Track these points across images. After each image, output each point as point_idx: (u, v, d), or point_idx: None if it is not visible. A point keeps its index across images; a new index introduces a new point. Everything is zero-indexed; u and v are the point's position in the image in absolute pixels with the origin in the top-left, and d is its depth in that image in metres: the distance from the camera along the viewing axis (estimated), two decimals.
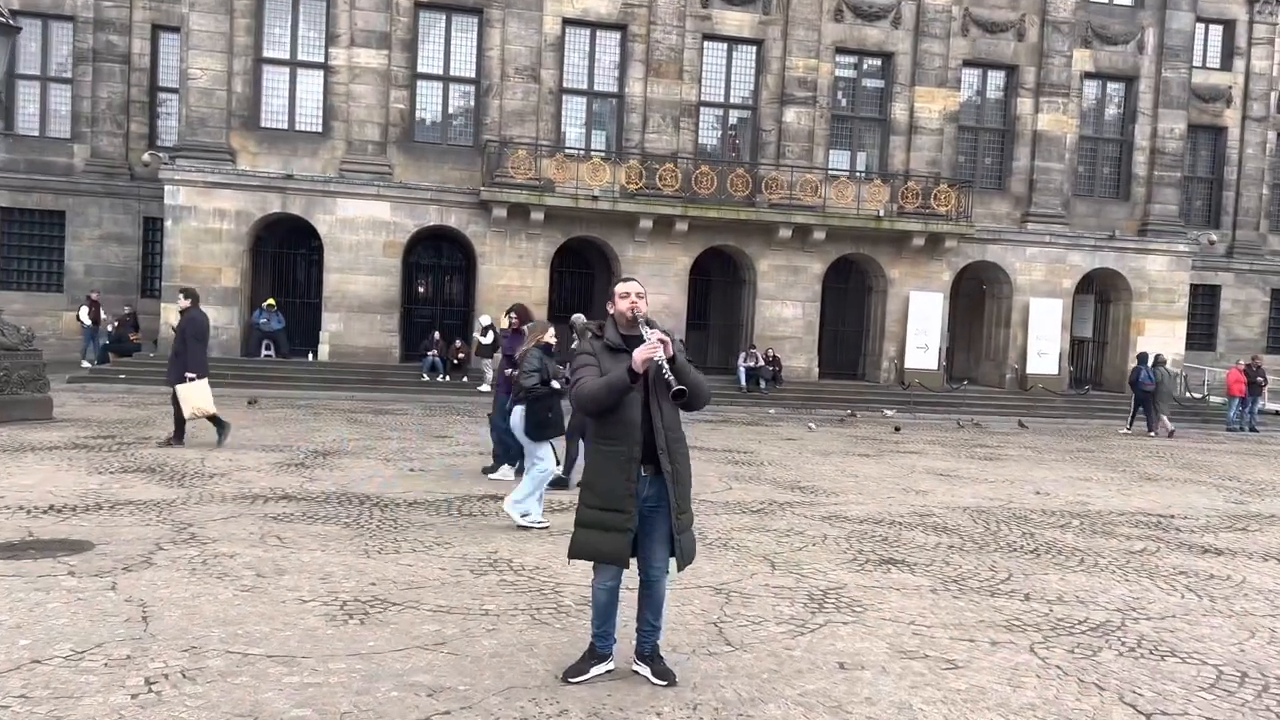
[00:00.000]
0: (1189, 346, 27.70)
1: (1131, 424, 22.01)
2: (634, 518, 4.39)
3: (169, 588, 5.78)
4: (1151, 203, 26.62)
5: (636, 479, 4.40)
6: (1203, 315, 30.47)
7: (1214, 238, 30.02)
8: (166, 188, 21.89)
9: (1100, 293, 27.31)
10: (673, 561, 4.51)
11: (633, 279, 4.70)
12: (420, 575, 6.35)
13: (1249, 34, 30.44)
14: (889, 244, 24.85)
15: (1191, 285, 27.38)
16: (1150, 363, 21.54)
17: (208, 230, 21.94)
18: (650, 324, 4.46)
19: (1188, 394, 26.36)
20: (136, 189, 25.36)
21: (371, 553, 6.91)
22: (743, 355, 23.90)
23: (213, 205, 21.95)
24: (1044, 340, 25.70)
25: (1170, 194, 26.79)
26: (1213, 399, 26.07)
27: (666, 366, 4.31)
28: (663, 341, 4.32)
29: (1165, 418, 21.41)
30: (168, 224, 21.98)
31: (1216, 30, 30.42)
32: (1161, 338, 26.41)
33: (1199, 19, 27.78)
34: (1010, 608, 6.26)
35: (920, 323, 25.07)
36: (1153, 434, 21.09)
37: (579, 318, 9.45)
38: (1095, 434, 20.57)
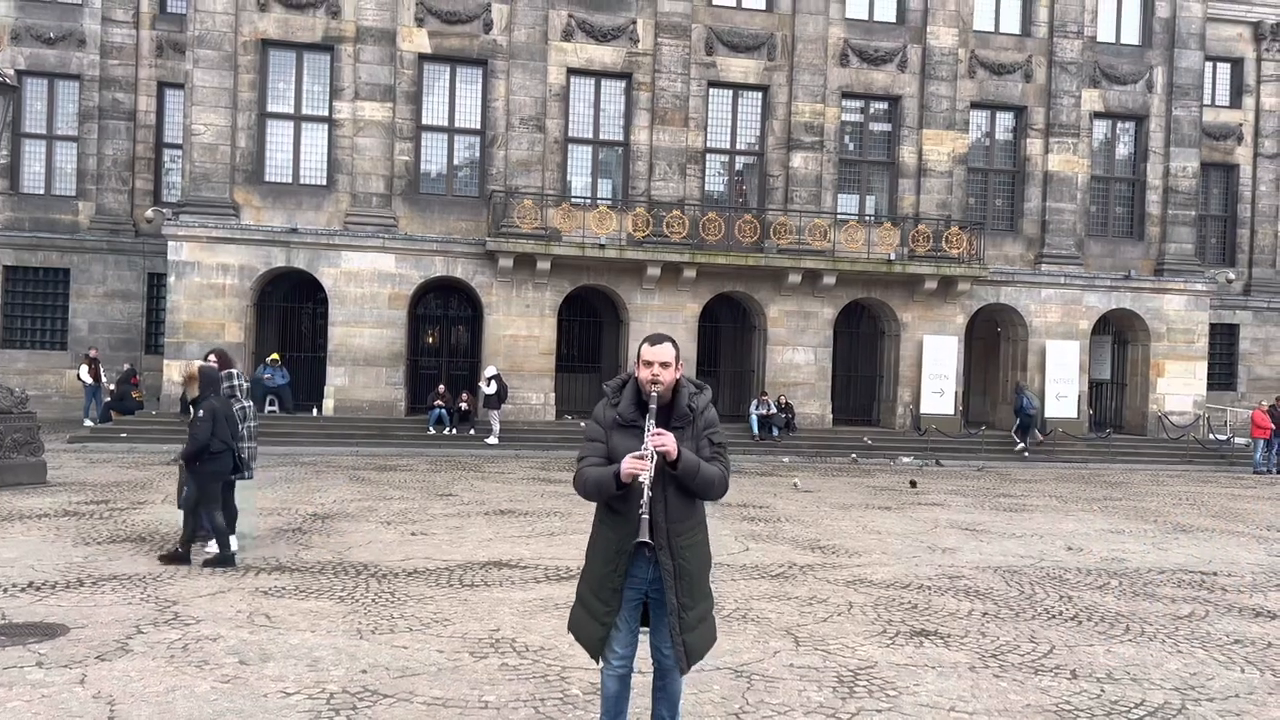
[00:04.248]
0: (1210, 386, 27.14)
1: (1025, 443, 23.57)
2: (615, 613, 3.99)
3: (143, 680, 5.32)
4: (1167, 242, 26.22)
5: (625, 573, 3.96)
6: (1222, 354, 29.93)
7: (1231, 276, 29.58)
8: (170, 244, 21.72)
9: (1118, 333, 26.84)
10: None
11: (664, 339, 4.07)
12: (416, 659, 5.88)
13: (1257, 71, 30.28)
14: (901, 287, 24.48)
15: (1210, 324, 26.89)
16: (1026, 390, 24.23)
17: (211, 285, 21.72)
18: (658, 401, 3.98)
19: (1211, 436, 25.75)
20: (141, 245, 25.24)
21: (365, 632, 6.45)
22: (755, 402, 23.45)
23: (216, 260, 21.76)
24: (1062, 383, 25.17)
25: (1185, 233, 26.40)
26: (1237, 440, 25.45)
27: (647, 490, 3.77)
28: (660, 450, 3.81)
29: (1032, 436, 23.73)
30: (171, 280, 21.78)
31: (1225, 68, 30.29)
32: (1181, 378, 25.91)
33: (1207, 57, 27.58)
34: (1058, 688, 5.75)
35: (935, 367, 24.61)
36: (1024, 450, 23.30)
37: (208, 359, 9.09)
38: (1120, 479, 19.98)
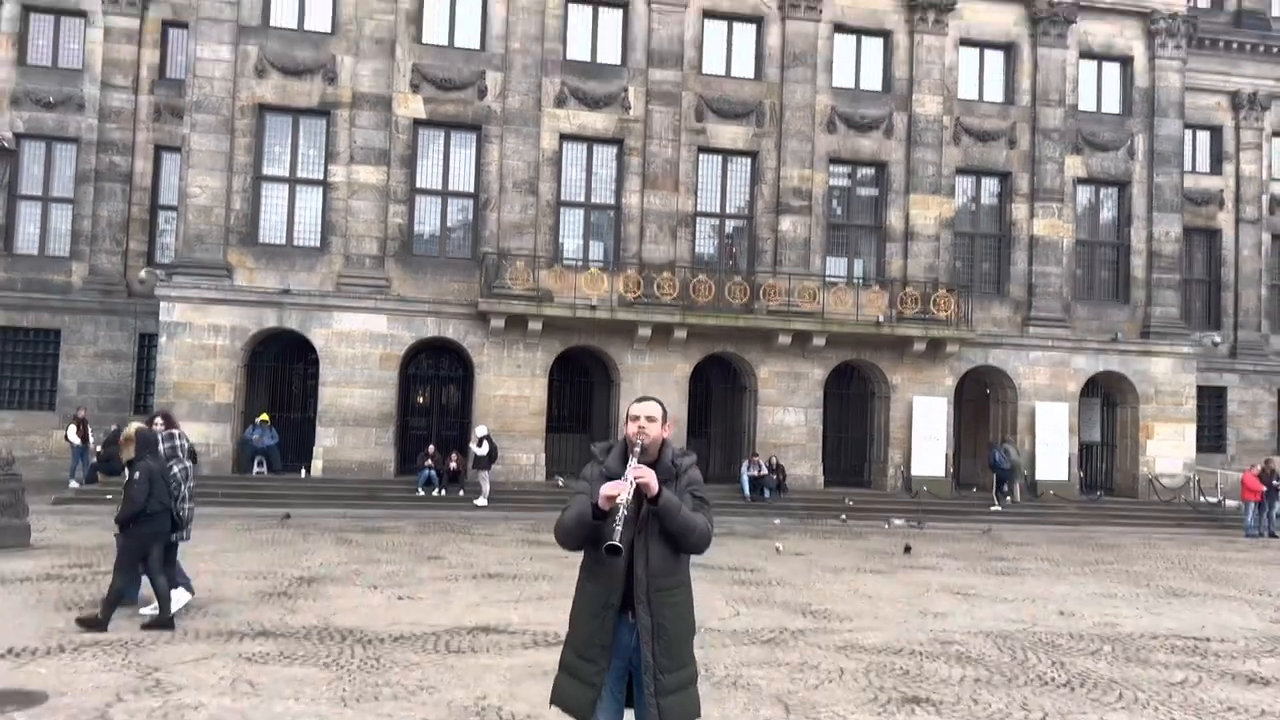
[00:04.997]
0: (1199, 449, 27.18)
1: (1000, 501, 24.03)
2: (604, 671, 3.95)
3: None
4: (1152, 305, 26.48)
5: (612, 628, 3.94)
6: (1210, 417, 30.06)
7: (1217, 339, 29.86)
8: (162, 304, 21.77)
9: (1106, 396, 26.97)
10: None
11: (651, 399, 4.26)
12: None
13: (1236, 139, 30.94)
14: (890, 349, 24.63)
15: (1198, 387, 27.05)
16: (1001, 446, 24.80)
17: (202, 346, 21.73)
18: (644, 450, 4.04)
19: (1202, 498, 25.75)
20: (133, 306, 25.27)
21: (349, 700, 6.36)
22: (746, 463, 23.41)
23: (208, 321, 21.80)
24: (1052, 445, 25.22)
25: (1170, 296, 26.69)
26: (1229, 503, 25.45)
27: (622, 509, 3.79)
28: (639, 481, 3.87)
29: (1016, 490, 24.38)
30: (162, 340, 21.79)
31: (1204, 135, 30.94)
32: (1170, 440, 25.99)
33: (1187, 125, 28.15)
34: None
35: (925, 429, 24.65)
36: (1003, 504, 23.81)
37: (154, 423, 9.13)
38: (1112, 542, 19.92)
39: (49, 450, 24.49)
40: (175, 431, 9.23)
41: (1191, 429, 26.38)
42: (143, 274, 25.17)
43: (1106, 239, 27.13)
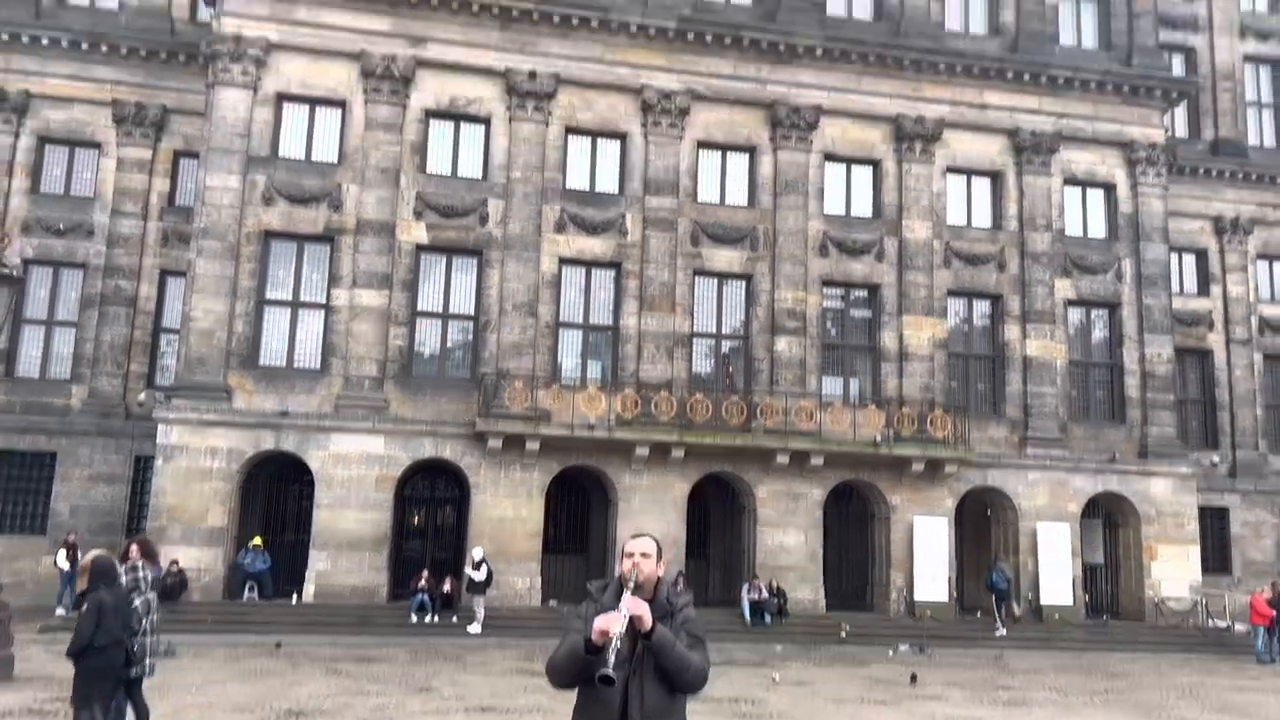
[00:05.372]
0: (1205, 571, 26.81)
1: (1002, 622, 23.48)
2: None
3: None
4: (1148, 425, 26.52)
5: None
6: (1214, 539, 29.71)
7: (1215, 459, 29.83)
8: (160, 426, 21.80)
9: (1108, 516, 26.75)
10: None
11: (645, 535, 4.30)
12: None
13: (1221, 262, 31.60)
14: (888, 469, 24.57)
15: (1200, 508, 26.87)
16: (997, 566, 24.54)
17: (198, 469, 21.66)
18: (639, 586, 4.02)
19: (1210, 622, 25.26)
20: (131, 428, 25.23)
21: None
22: (746, 586, 23.04)
23: (205, 443, 21.78)
24: (1055, 567, 24.88)
25: (1166, 416, 26.77)
26: (1238, 627, 24.97)
27: (615, 641, 3.76)
28: (633, 613, 3.86)
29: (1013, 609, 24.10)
30: (158, 463, 21.73)
31: (1190, 258, 31.61)
32: (1175, 562, 25.66)
33: (1172, 248, 28.78)
34: None
35: (927, 550, 24.37)
36: (1007, 627, 23.37)
37: (131, 550, 8.96)
38: (1120, 669, 19.46)
39: (37, 576, 24.05)
40: (139, 563, 9.02)
41: (1196, 551, 26.08)
42: (142, 397, 25.26)
43: (1100, 359, 27.39)
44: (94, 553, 9.06)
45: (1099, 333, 27.54)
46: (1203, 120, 32.81)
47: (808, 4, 26.23)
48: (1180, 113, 31.83)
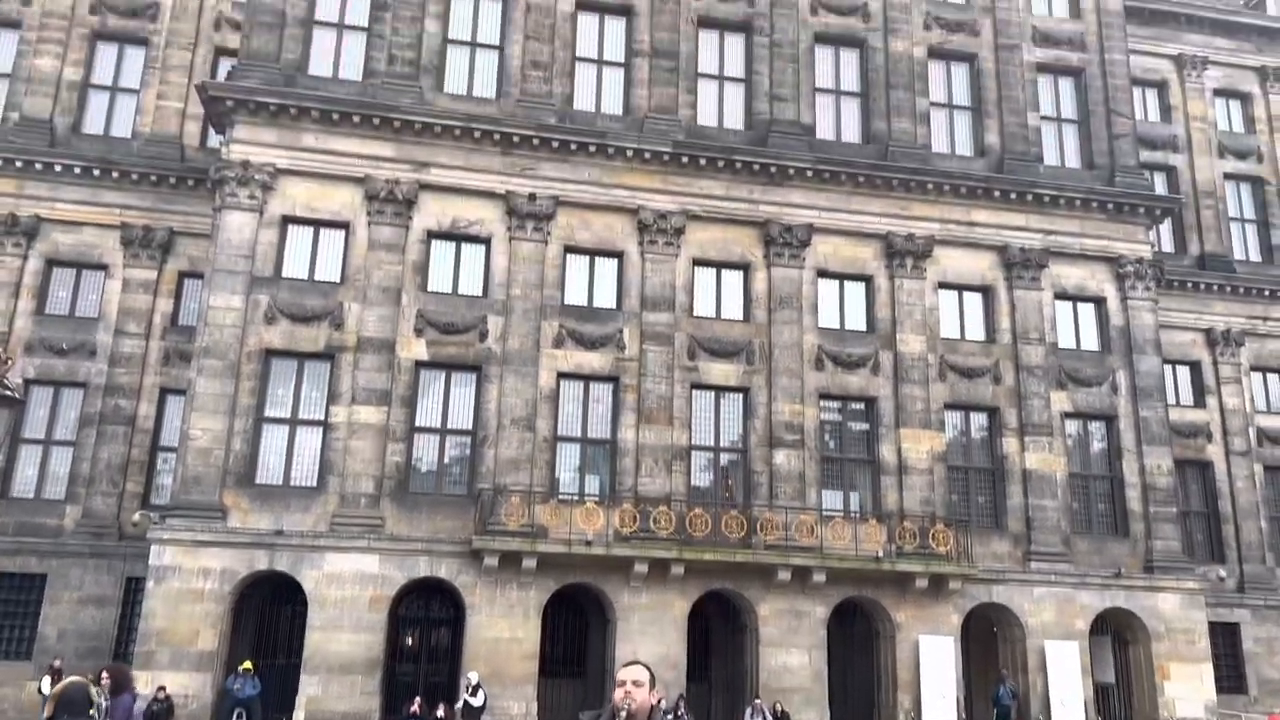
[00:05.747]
0: (1219, 689, 26.11)
1: None
2: None
3: None
4: (1152, 539, 26.17)
5: None
6: (1227, 655, 29.04)
7: (1222, 573, 29.41)
8: (153, 547, 21.52)
9: (1117, 633, 26.17)
10: None
11: (637, 663, 4.27)
12: None
13: (1216, 374, 31.84)
14: (892, 586, 24.17)
15: (1210, 624, 26.32)
16: (1005, 684, 24.02)
17: (190, 590, 21.30)
18: (631, 716, 3.96)
19: None
20: (123, 549, 24.92)
21: None
22: (749, 710, 22.35)
23: (198, 564, 21.47)
24: (1065, 687, 24.20)
25: (1169, 529, 26.46)
26: None
27: None
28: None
29: None
30: (150, 584, 21.38)
31: (1184, 370, 31.86)
32: (1188, 682, 24.97)
33: (1166, 360, 28.97)
34: None
35: (933, 671, 23.74)
36: None
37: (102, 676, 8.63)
38: None
39: (20, 703, 23.39)
40: (92, 691, 8.69)
41: (1209, 669, 25.40)
42: (136, 517, 25.01)
43: (1099, 472, 27.23)
44: (67, 680, 8.72)
45: (1097, 445, 27.47)
46: (1188, 235, 33.60)
47: (797, 128, 27.17)
48: (1165, 228, 32.67)
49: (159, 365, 26.61)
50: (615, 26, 27.30)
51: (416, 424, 23.86)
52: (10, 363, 14.90)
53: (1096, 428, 27.44)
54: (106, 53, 28.89)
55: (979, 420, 26.85)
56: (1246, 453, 31.15)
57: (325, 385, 23.59)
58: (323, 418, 23.36)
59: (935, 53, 28.89)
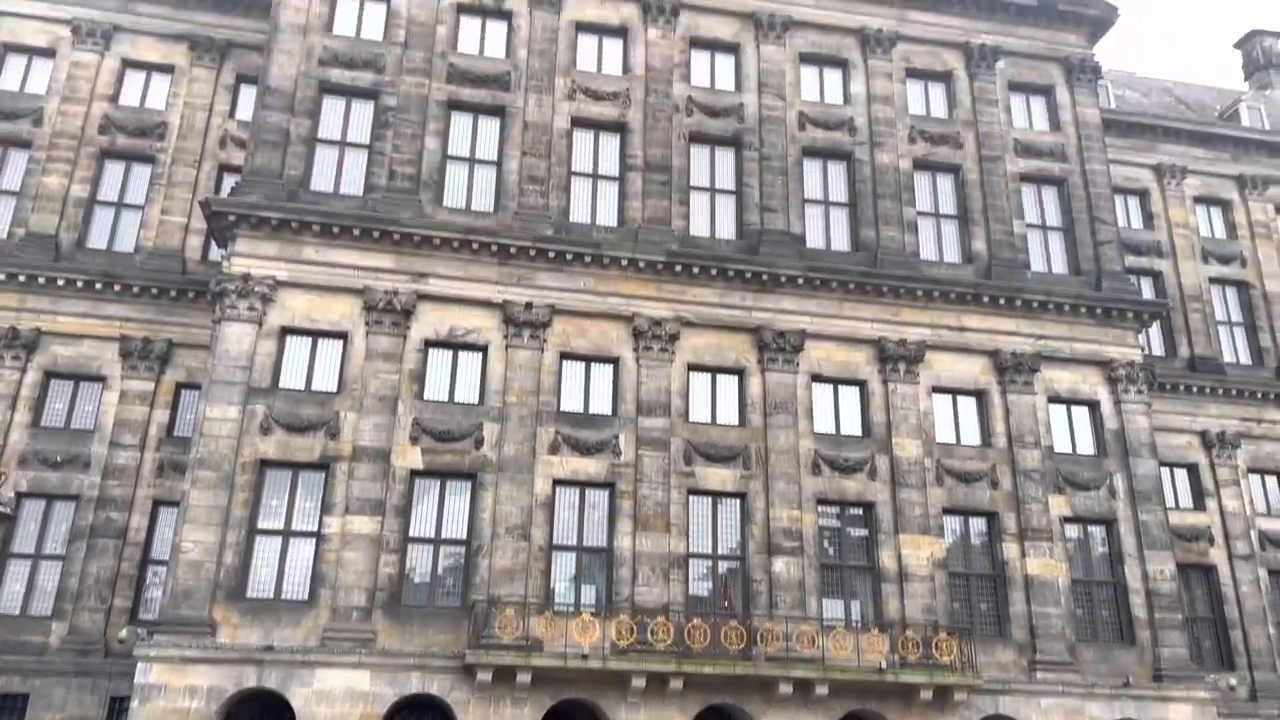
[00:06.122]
0: None
1: None
2: None
3: None
4: (1159, 646, 25.62)
5: None
6: None
7: (1233, 682, 28.71)
8: (139, 665, 20.97)
9: None
10: None
11: None
12: None
13: (1214, 477, 31.72)
14: (896, 698, 23.54)
15: None
16: None
17: (175, 710, 20.67)
18: None
19: None
20: (109, 667, 24.26)
21: None
22: None
23: (185, 682, 20.90)
24: None
25: (1176, 636, 25.92)
26: None
27: None
28: None
29: None
30: (133, 704, 20.75)
31: (1182, 473, 31.75)
32: None
33: (1163, 463, 28.90)
34: None
35: None
36: None
37: None
38: None
39: None
40: None
41: None
42: (123, 633, 24.48)
43: (1102, 577, 26.79)
44: None
45: (1099, 549, 27.14)
46: (1177, 338, 33.98)
47: (787, 237, 27.74)
48: (1155, 331, 33.03)
49: (153, 477, 26.41)
50: (610, 142, 28.14)
51: (410, 534, 23.59)
52: (4, 477, 14.81)
53: (1096, 532, 27.17)
54: (113, 170, 29.60)
55: (978, 525, 26.61)
56: (1250, 556, 30.79)
57: (319, 496, 23.41)
58: (316, 529, 23.11)
59: (920, 164, 29.73)
